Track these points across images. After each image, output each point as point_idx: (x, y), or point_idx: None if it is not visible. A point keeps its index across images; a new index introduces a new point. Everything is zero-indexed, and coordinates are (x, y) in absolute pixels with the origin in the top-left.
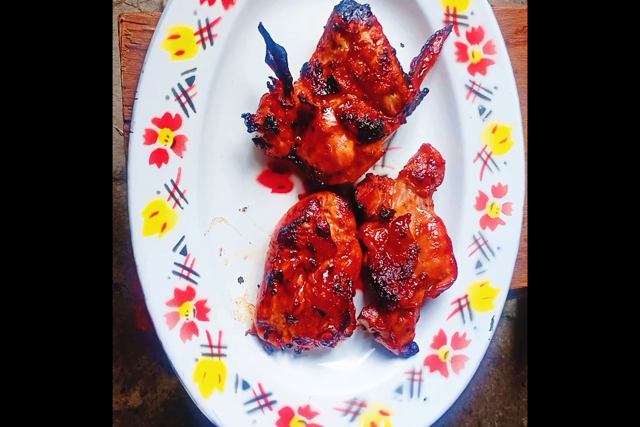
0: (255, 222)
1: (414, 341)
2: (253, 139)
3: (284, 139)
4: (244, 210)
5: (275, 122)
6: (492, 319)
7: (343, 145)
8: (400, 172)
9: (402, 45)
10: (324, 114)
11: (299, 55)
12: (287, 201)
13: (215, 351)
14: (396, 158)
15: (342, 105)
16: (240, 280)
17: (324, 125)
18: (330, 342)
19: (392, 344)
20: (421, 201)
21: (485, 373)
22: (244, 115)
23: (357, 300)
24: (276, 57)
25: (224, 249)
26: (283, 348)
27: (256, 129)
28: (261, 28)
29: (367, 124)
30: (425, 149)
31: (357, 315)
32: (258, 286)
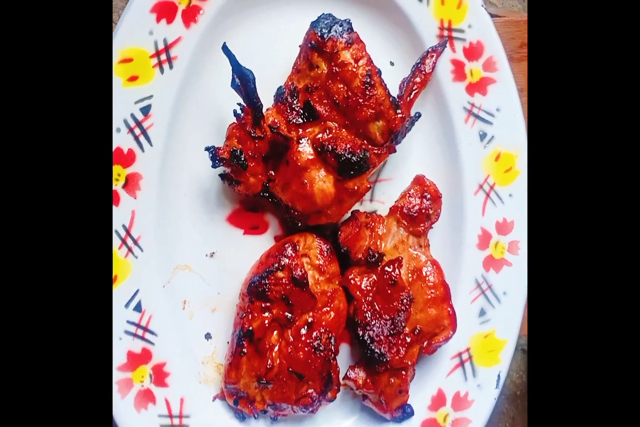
0: (225, 268)
1: (408, 403)
2: (220, 175)
3: (255, 174)
4: (212, 255)
5: (242, 156)
6: (499, 375)
7: (321, 181)
8: (390, 209)
9: (392, 64)
10: (300, 145)
11: (272, 78)
12: (261, 244)
13: (176, 421)
14: (387, 191)
15: (320, 135)
16: (208, 336)
17: (300, 158)
18: (311, 409)
19: (382, 408)
20: (415, 241)
21: (499, 411)
22: (207, 149)
23: (344, 354)
24: (243, 81)
25: (188, 301)
26: (256, 416)
27: (222, 164)
28: (225, 49)
29: (349, 156)
30: (419, 181)
31: (342, 375)
32: (228, 342)
